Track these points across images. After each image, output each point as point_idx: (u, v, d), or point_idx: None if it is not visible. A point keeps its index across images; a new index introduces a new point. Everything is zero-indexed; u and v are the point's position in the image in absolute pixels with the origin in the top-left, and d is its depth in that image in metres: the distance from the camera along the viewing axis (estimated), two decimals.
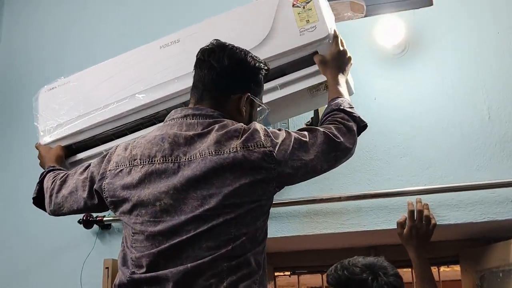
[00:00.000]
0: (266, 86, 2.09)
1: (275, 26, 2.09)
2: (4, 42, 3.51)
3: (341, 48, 2.06)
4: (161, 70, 2.19)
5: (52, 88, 2.39)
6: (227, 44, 1.79)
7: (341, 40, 2.08)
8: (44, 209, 2.00)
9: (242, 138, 1.61)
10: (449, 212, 2.51)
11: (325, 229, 2.62)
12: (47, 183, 1.99)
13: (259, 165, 1.59)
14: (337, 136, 1.75)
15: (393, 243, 2.78)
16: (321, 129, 1.76)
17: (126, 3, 3.36)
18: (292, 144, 1.66)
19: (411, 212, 2.43)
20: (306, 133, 1.74)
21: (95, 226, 2.87)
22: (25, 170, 3.03)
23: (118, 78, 2.27)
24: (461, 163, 2.56)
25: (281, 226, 2.67)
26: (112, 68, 2.31)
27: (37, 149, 2.31)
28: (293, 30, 2.07)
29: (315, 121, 2.59)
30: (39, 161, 2.28)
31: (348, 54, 2.08)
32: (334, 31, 2.07)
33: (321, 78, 2.09)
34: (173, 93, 2.15)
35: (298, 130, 1.77)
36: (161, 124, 1.76)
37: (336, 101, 1.91)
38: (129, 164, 1.68)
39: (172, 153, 1.63)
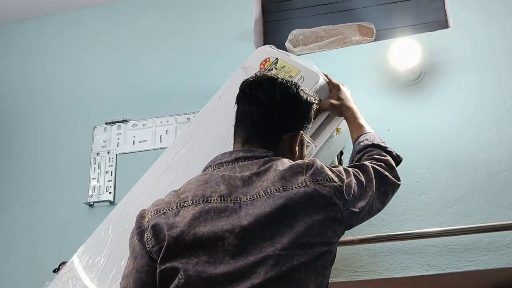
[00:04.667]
0: None
1: None
2: None
3: (337, 83, 2.02)
4: None
5: None
6: (275, 76, 1.68)
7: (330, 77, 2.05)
8: None
9: (309, 172, 1.50)
10: (477, 257, 2.21)
11: (336, 277, 2.31)
12: None
13: (331, 200, 1.47)
14: (384, 171, 1.70)
15: None
16: (368, 164, 1.69)
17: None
18: (354, 181, 1.57)
19: None
20: (357, 170, 1.65)
21: None
22: None
23: None
24: (489, 201, 2.28)
25: None
26: None
27: None
28: None
29: None
30: None
31: (346, 87, 2.05)
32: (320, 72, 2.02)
33: (332, 128, 2.06)
34: None
35: (348, 166, 1.68)
36: (204, 172, 1.60)
37: (367, 136, 1.86)
38: (177, 207, 1.47)
39: (230, 194, 1.47)
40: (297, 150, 1.65)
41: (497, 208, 2.26)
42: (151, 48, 3.02)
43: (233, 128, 1.67)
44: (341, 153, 2.39)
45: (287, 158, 1.60)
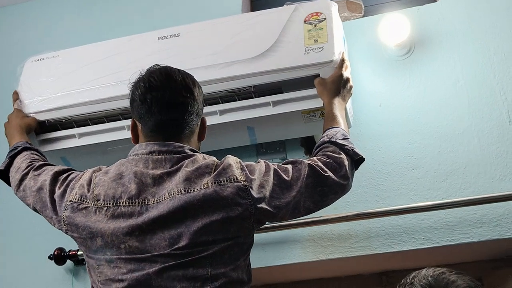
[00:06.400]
0: (258, 101, 2.06)
1: (281, 39, 2.03)
2: None
3: (344, 73, 1.96)
4: (156, 61, 2.04)
5: (40, 59, 2.33)
6: (175, 69, 1.70)
7: (346, 66, 1.99)
8: (8, 183, 1.94)
9: (214, 173, 1.55)
10: (471, 229, 2.22)
11: (331, 254, 2.31)
12: (21, 163, 1.89)
13: (234, 201, 1.52)
14: (323, 170, 1.65)
15: (408, 268, 2.44)
16: (306, 162, 1.67)
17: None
18: (271, 179, 1.59)
19: None
20: (289, 166, 1.66)
21: (69, 262, 2.50)
22: None
23: (110, 61, 2.22)
24: (482, 173, 2.28)
25: (280, 253, 2.33)
26: (105, 51, 2.27)
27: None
28: (298, 47, 2.00)
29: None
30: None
31: (351, 83, 1.99)
32: (342, 54, 2.00)
33: (318, 103, 2.02)
34: None
35: (282, 163, 1.69)
36: (124, 159, 1.66)
37: (330, 132, 1.80)
38: (93, 204, 1.58)
39: (139, 195, 1.55)
40: (204, 134, 1.73)
41: (489, 180, 2.26)
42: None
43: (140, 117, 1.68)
44: None
45: (197, 143, 1.70)
